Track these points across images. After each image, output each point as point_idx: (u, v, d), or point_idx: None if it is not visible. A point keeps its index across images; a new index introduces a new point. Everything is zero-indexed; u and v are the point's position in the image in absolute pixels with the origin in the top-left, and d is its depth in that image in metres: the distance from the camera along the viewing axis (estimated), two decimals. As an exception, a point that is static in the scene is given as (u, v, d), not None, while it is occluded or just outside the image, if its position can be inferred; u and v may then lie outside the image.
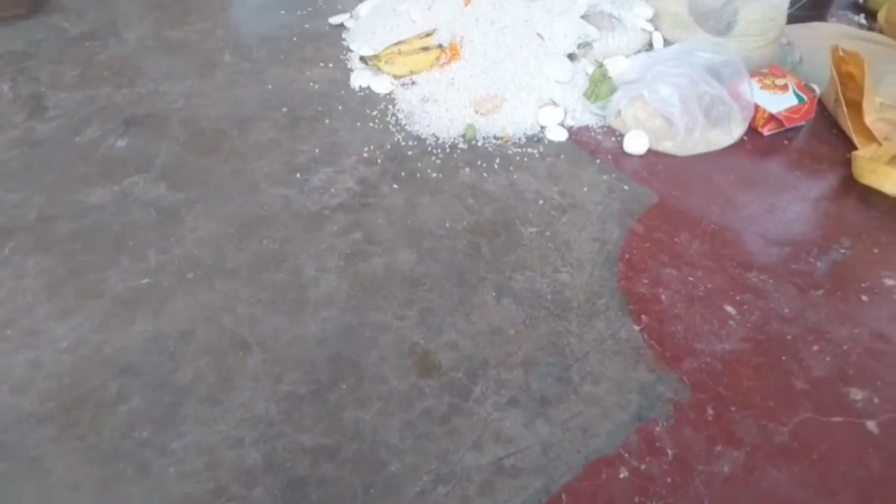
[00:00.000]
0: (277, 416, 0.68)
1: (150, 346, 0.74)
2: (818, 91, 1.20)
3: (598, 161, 1.06)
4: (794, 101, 1.14)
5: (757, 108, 1.13)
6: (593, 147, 1.09)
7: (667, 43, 1.24)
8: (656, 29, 1.26)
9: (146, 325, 0.76)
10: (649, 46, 1.25)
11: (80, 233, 0.87)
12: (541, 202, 0.97)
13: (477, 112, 1.11)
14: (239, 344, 0.75)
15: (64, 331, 0.75)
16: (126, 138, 1.03)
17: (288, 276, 0.83)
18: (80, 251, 0.85)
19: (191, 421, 0.67)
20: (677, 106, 1.08)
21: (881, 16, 1.29)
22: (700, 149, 1.09)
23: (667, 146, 1.09)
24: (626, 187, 1.01)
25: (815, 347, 0.80)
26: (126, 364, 0.72)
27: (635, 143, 1.08)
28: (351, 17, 1.37)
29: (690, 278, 0.86)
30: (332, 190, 0.96)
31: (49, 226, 0.88)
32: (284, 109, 1.12)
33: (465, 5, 1.22)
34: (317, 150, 1.04)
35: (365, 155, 1.04)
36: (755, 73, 1.18)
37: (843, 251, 0.93)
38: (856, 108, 1.13)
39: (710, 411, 0.72)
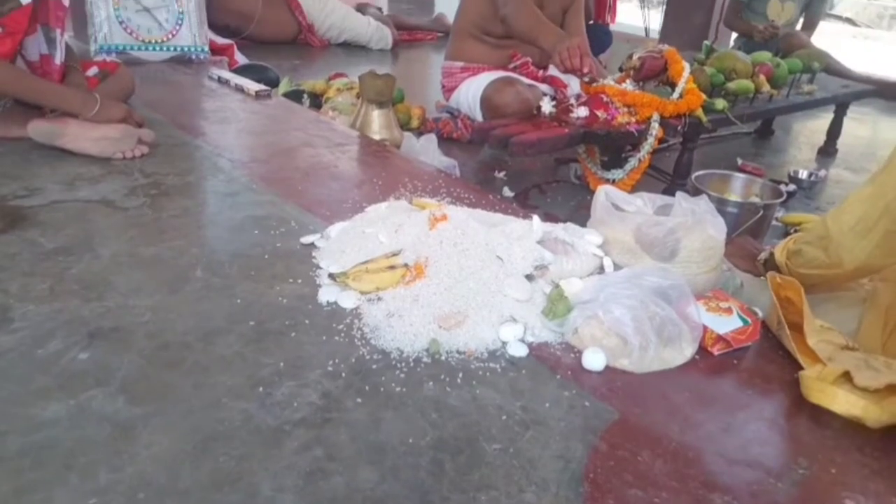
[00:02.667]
0: None
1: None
2: (761, 314, 1.28)
3: (558, 376, 1.08)
4: (739, 324, 1.21)
5: (705, 329, 1.19)
6: (553, 363, 1.12)
7: (617, 267, 1.33)
8: (606, 254, 1.35)
9: (86, 552, 0.71)
10: (601, 270, 1.34)
11: (30, 448, 0.84)
12: (504, 417, 0.97)
13: (441, 327, 1.14)
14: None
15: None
16: (89, 351, 1.03)
17: (243, 496, 0.80)
18: (29, 468, 0.81)
19: None
20: (630, 325, 1.13)
21: (780, 256, 1.40)
22: (655, 366, 1.13)
23: (623, 363, 1.12)
24: (586, 403, 1.02)
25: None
26: None
27: (593, 360, 1.11)
28: (322, 237, 1.45)
29: (656, 500, 0.85)
30: (295, 404, 0.96)
31: (-4, 441, 0.84)
32: (252, 323, 1.14)
33: (430, 229, 1.31)
34: (281, 364, 1.04)
35: (329, 368, 1.04)
36: (700, 296, 1.26)
37: (801, 471, 0.94)
38: (798, 329, 1.20)
39: None
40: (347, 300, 1.23)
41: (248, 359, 1.05)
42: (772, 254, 1.43)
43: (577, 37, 2.30)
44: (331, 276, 1.28)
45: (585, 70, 2.19)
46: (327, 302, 1.23)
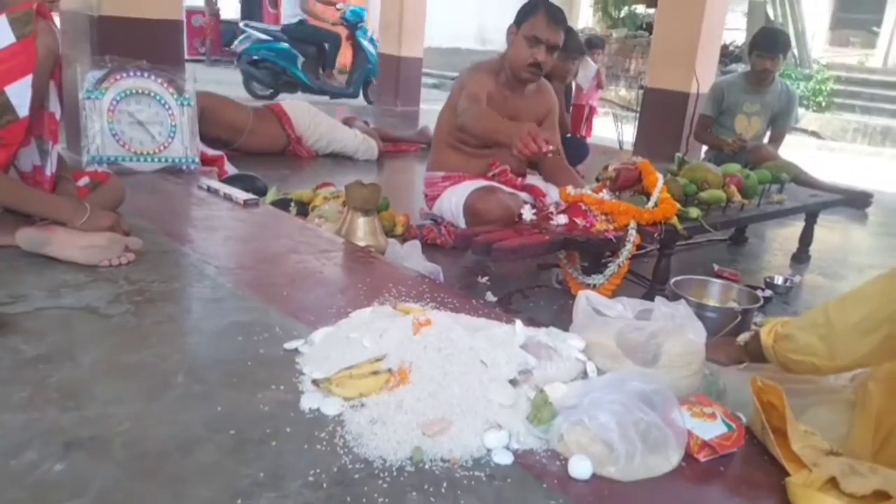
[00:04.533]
0: None
1: None
2: (745, 419, 1.28)
3: (544, 485, 1.07)
4: (723, 429, 1.21)
5: (690, 434, 1.19)
6: (539, 471, 1.11)
7: (600, 372, 1.34)
8: (589, 359, 1.36)
9: None
10: (584, 375, 1.34)
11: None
12: (489, 530, 0.95)
13: (425, 434, 1.13)
14: None
15: None
16: (65, 462, 1.00)
17: None
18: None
19: None
20: (616, 431, 1.13)
21: (766, 338, 1.40)
22: (642, 474, 1.11)
23: (610, 471, 1.11)
24: (573, 514, 1.00)
25: None
26: None
27: (580, 468, 1.10)
28: (305, 342, 1.45)
29: None
30: (275, 517, 0.93)
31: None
32: (232, 432, 1.13)
33: (414, 334, 1.32)
34: (261, 475, 1.02)
35: (311, 479, 1.02)
36: (684, 401, 1.26)
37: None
38: (782, 434, 1.20)
39: None
40: (330, 407, 1.22)
41: (227, 469, 1.03)
42: (755, 335, 1.43)
43: (518, 127, 2.35)
44: (314, 382, 1.28)
45: (545, 149, 2.22)
46: (310, 409, 1.22)
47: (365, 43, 7.81)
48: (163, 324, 1.52)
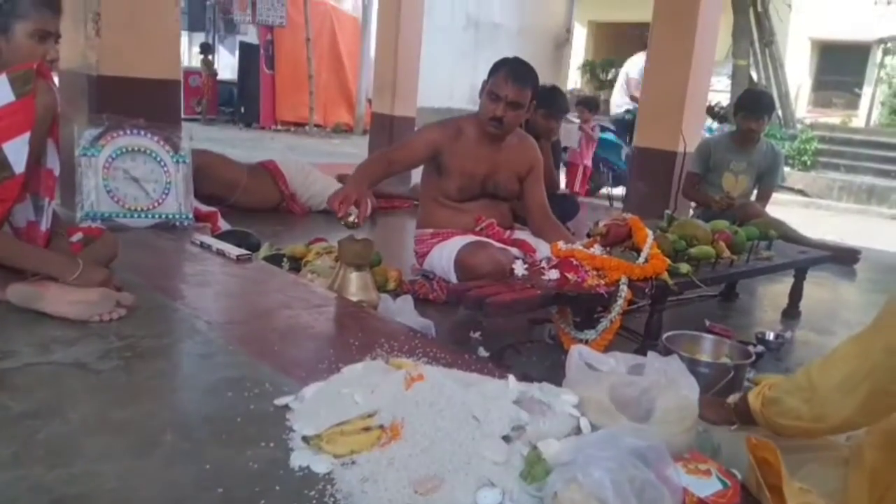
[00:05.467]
0: None
1: None
2: (740, 476, 1.27)
3: (538, 545, 1.05)
4: (718, 486, 1.19)
5: (685, 492, 1.17)
6: (533, 530, 1.09)
7: (594, 427, 1.33)
8: (582, 414, 1.35)
9: None
10: (578, 430, 1.33)
11: None
12: (483, 591, 0.93)
13: (416, 492, 1.11)
14: None
15: None
16: (49, 520, 0.98)
17: None
18: None
19: None
20: (610, 489, 1.11)
21: (754, 402, 1.40)
22: (637, 532, 1.09)
23: (605, 530, 1.09)
24: (568, 574, 0.98)
25: None
26: None
27: (574, 527, 1.08)
28: (296, 398, 1.44)
29: None
30: (263, 578, 0.91)
31: None
32: (220, 490, 1.11)
33: (406, 389, 1.31)
34: (250, 534, 1.00)
35: (300, 539, 1.00)
36: (678, 457, 1.25)
37: None
38: (778, 491, 1.19)
39: None
40: (320, 464, 1.20)
41: (215, 528, 1.01)
42: (743, 398, 1.43)
43: (348, 186, 2.52)
44: (304, 438, 1.26)
45: (340, 214, 2.35)
46: (299, 466, 1.20)
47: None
48: (152, 379, 1.50)
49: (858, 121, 13.72)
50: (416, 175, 6.61)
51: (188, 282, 2.33)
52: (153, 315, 1.91)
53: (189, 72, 12.37)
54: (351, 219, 2.34)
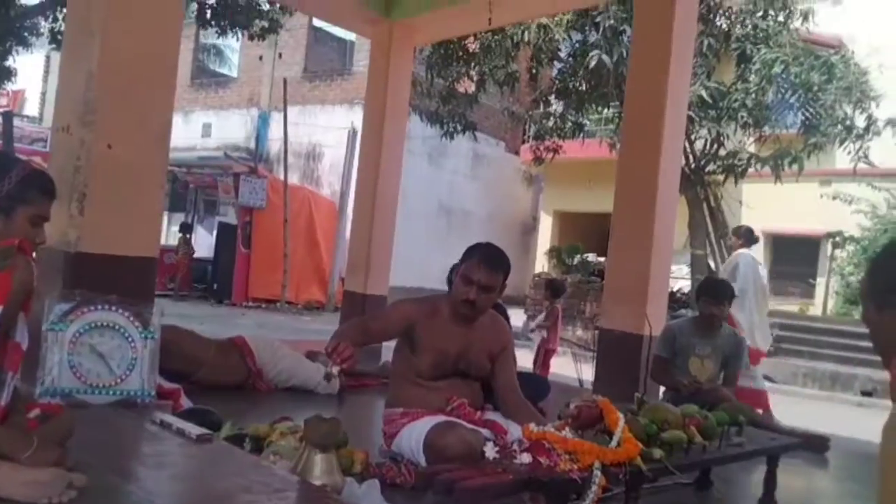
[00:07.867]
0: None
1: None
2: None
3: None
4: None
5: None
6: None
7: None
8: None
9: None
10: None
11: None
12: None
13: None
14: None
15: None
16: None
17: None
18: None
19: None
20: None
21: None
22: None
23: None
24: None
25: None
26: None
27: None
28: None
29: None
30: None
31: None
32: None
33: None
34: None
35: None
36: None
37: None
38: None
39: None
40: None
41: None
42: None
43: (336, 339, 2.69)
44: None
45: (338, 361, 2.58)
46: None
47: None
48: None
49: (815, 309, 14.24)
50: (386, 353, 6.60)
51: (145, 463, 2.23)
52: (104, 498, 1.81)
53: (165, 249, 12.62)
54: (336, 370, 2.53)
